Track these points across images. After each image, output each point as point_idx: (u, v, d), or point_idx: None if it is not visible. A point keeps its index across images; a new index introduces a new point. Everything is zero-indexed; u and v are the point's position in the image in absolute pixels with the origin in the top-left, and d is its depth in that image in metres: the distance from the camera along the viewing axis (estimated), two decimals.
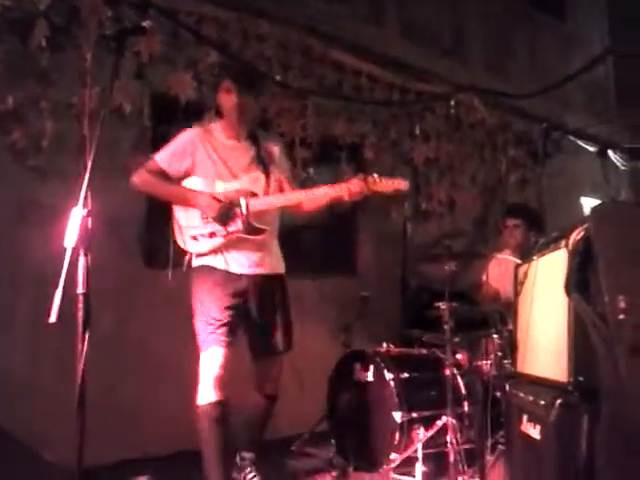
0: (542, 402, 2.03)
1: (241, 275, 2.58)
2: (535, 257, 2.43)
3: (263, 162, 2.66)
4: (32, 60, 3.38)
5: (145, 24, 1.93)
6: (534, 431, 2.05)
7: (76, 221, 1.76)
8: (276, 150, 2.77)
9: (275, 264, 2.71)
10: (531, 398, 2.17)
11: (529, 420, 2.13)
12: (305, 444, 3.59)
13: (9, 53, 3.33)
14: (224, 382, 2.46)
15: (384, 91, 5.02)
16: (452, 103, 5.37)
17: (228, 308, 2.51)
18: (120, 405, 3.33)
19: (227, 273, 2.56)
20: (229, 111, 2.63)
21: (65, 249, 1.73)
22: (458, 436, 2.83)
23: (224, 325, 2.48)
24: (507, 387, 2.66)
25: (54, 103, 3.41)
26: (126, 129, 3.65)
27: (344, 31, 4.74)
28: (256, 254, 2.61)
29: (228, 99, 2.61)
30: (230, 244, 2.58)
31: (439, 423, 2.90)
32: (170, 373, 3.35)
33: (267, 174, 2.63)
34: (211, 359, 2.45)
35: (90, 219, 1.79)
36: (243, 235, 2.55)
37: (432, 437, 2.91)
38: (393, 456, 2.95)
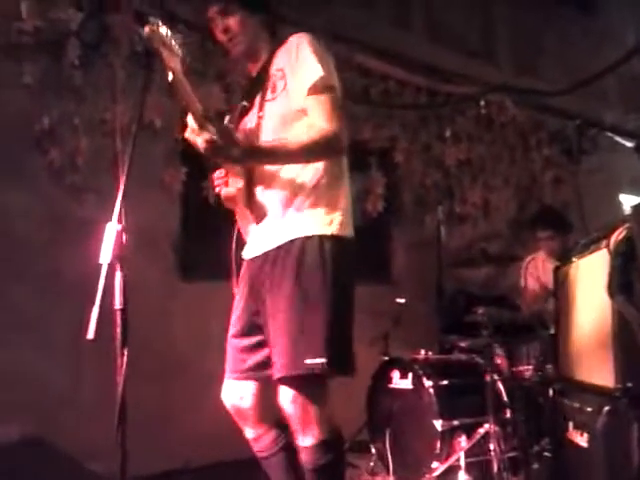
0: (589, 409, 1.98)
1: None
2: (575, 258, 2.37)
3: None
4: (65, 79, 3.46)
5: (174, 40, 1.93)
6: (581, 439, 1.99)
7: (111, 237, 1.78)
8: None
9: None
10: (577, 405, 2.11)
11: (575, 427, 2.08)
12: (345, 453, 3.56)
13: (43, 73, 3.41)
14: None
15: (412, 94, 4.99)
16: (482, 103, 5.30)
17: None
18: (161, 417, 3.36)
19: None
20: None
21: (101, 265, 1.74)
22: (501, 444, 2.76)
23: None
24: (551, 393, 2.59)
25: (88, 120, 3.48)
26: (158, 143, 3.69)
27: (370, 36, 4.72)
28: None
29: None
30: None
31: (481, 431, 2.84)
32: (210, 385, 3.35)
33: None
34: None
35: (125, 234, 1.80)
36: None
37: (474, 445, 2.85)
38: (435, 465, 2.90)
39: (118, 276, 1.78)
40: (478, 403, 2.95)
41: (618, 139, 5.88)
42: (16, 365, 3.06)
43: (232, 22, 1.93)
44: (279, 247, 1.84)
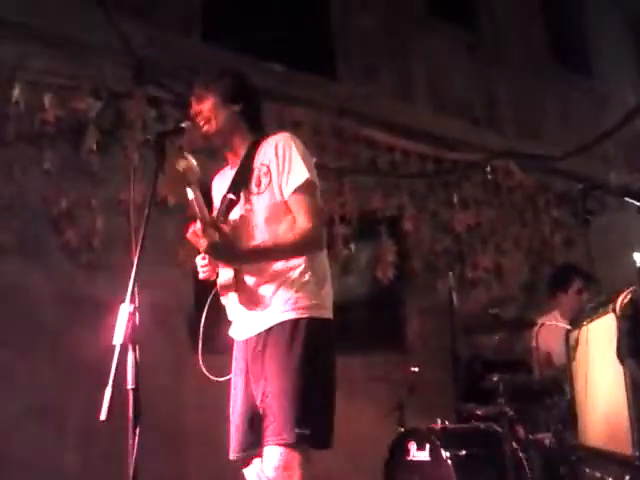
0: (610, 479, 1.94)
1: None
2: (585, 322, 2.37)
3: None
4: (83, 163, 3.62)
5: (184, 125, 2.05)
6: None
7: (124, 317, 1.81)
8: None
9: None
10: (598, 474, 2.07)
11: None
12: None
13: (62, 158, 3.57)
14: None
15: (418, 163, 5.12)
16: (488, 169, 5.40)
17: None
18: None
19: None
20: None
21: (114, 345, 1.77)
22: None
23: None
24: (571, 461, 2.53)
25: (104, 201, 3.61)
26: (171, 220, 3.79)
27: (375, 109, 4.90)
28: None
29: None
30: None
31: None
32: (223, 458, 3.31)
33: None
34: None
35: (137, 314, 1.84)
36: None
37: None
38: None
39: (130, 356, 1.81)
40: (498, 473, 2.87)
41: (624, 199, 5.93)
42: (26, 449, 3.05)
43: (204, 107, 2.06)
44: (270, 329, 1.98)
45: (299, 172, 1.97)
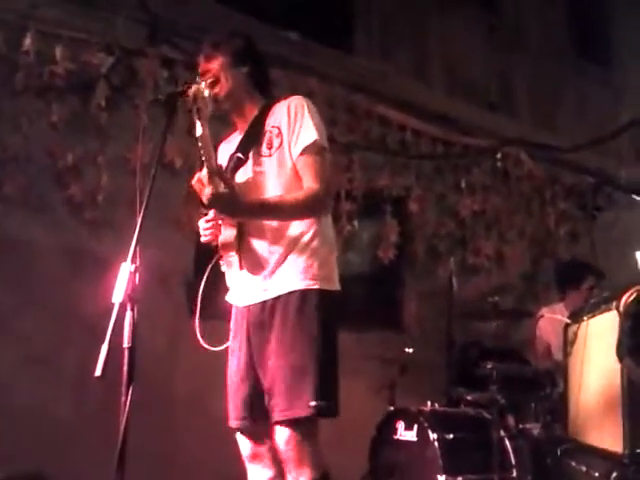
0: (596, 474, 1.95)
1: None
2: (585, 317, 2.36)
3: None
4: (92, 119, 3.57)
5: (197, 85, 2.01)
6: None
7: (124, 276, 1.80)
8: None
9: None
10: (584, 468, 2.08)
11: None
12: None
13: (70, 113, 3.53)
14: None
15: (429, 145, 5.06)
16: (498, 156, 5.35)
17: None
18: (167, 458, 3.33)
19: None
20: None
21: (113, 303, 1.77)
22: None
23: None
24: (558, 454, 2.54)
25: (111, 158, 3.58)
26: (177, 183, 3.76)
27: (389, 87, 4.83)
28: None
29: None
30: None
31: None
32: (215, 426, 3.34)
33: None
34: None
35: (138, 274, 1.83)
36: None
37: None
38: None
39: (128, 315, 1.80)
40: (484, 460, 2.89)
41: (633, 197, 5.90)
42: (23, 398, 3.07)
43: (213, 66, 2.02)
44: (277, 298, 1.93)
45: (309, 133, 1.92)
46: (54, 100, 3.50)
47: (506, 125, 5.59)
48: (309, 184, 1.91)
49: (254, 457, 1.99)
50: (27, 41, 3.41)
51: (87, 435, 3.17)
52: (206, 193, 1.83)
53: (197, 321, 2.06)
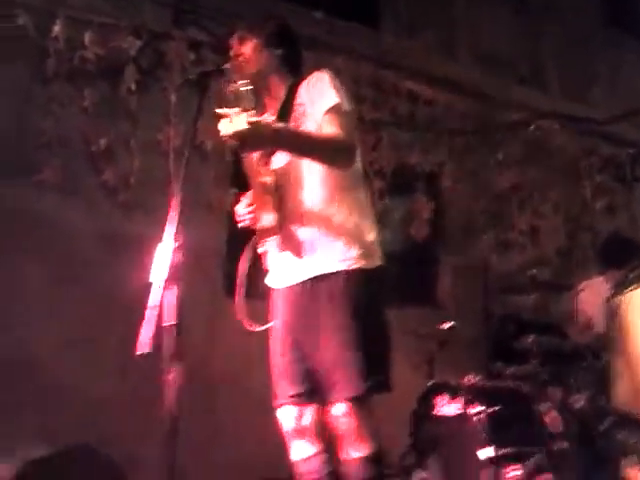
0: None
1: None
2: (627, 290, 2.31)
3: None
4: (122, 102, 3.59)
5: (225, 67, 2.00)
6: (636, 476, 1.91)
7: (163, 255, 1.81)
8: None
9: None
10: (633, 441, 2.03)
11: (632, 463, 1.99)
12: (390, 479, 3.49)
13: (101, 97, 3.55)
14: None
15: (459, 120, 4.97)
16: (532, 129, 5.23)
17: None
18: (208, 438, 3.36)
19: None
20: None
21: (151, 283, 1.77)
22: (551, 477, 2.65)
23: None
24: (605, 426, 2.50)
25: (142, 142, 3.60)
26: (208, 165, 3.78)
27: (417, 62, 4.75)
28: None
29: None
30: None
31: (532, 461, 2.74)
32: (255, 405, 3.36)
33: None
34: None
35: (178, 253, 1.83)
36: None
37: (525, 476, 2.74)
38: None
39: (169, 293, 1.80)
40: (528, 433, 2.85)
41: None
42: (68, 378, 3.14)
43: (246, 48, 2.02)
44: (319, 278, 1.92)
45: (329, 98, 1.89)
46: (85, 85, 3.53)
47: (538, 98, 5.46)
48: (335, 132, 1.87)
49: (299, 433, 2.00)
50: (57, 27, 3.44)
51: (131, 412, 3.22)
52: (232, 128, 1.72)
53: (239, 302, 2.06)
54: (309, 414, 1.99)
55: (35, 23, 3.36)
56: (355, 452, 1.87)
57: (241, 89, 1.71)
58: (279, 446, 2.13)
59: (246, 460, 3.39)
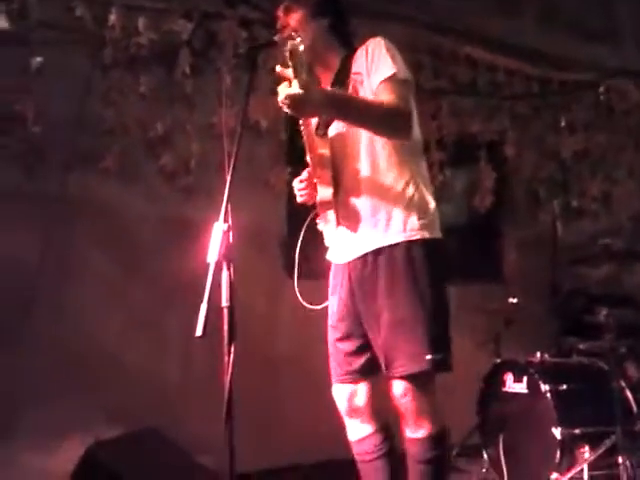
0: None
1: None
2: None
3: None
4: (178, 87, 3.61)
5: (276, 38, 1.95)
6: None
7: (218, 236, 1.81)
8: None
9: None
10: None
11: None
12: (456, 458, 3.44)
13: (157, 83, 3.58)
14: None
15: (523, 84, 4.74)
16: (601, 90, 4.93)
17: None
18: (268, 412, 3.41)
19: None
20: None
21: (208, 264, 1.77)
22: (632, 458, 2.53)
23: None
24: None
25: (198, 125, 3.61)
26: (263, 144, 3.76)
27: (475, 26, 4.54)
28: None
29: None
30: None
31: (607, 442, 2.62)
32: (316, 384, 3.37)
33: None
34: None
35: (231, 233, 1.83)
36: None
37: (599, 458, 2.64)
38: (554, 476, 2.72)
39: (225, 274, 1.81)
40: (603, 412, 2.74)
41: None
42: (133, 361, 3.24)
43: (292, 20, 1.97)
44: (379, 251, 1.89)
45: (386, 67, 1.85)
46: (141, 71, 3.57)
47: (608, 56, 5.13)
48: (392, 100, 1.82)
49: (354, 412, 2.00)
50: (112, 16, 3.47)
51: (194, 393, 3.30)
52: (282, 95, 1.69)
53: (296, 281, 2.06)
54: (363, 393, 1.98)
55: (92, 13, 3.41)
56: (417, 431, 1.85)
57: (296, 48, 1.66)
58: (339, 426, 2.13)
59: (306, 440, 3.42)
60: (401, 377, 1.84)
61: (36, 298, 3.05)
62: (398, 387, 1.85)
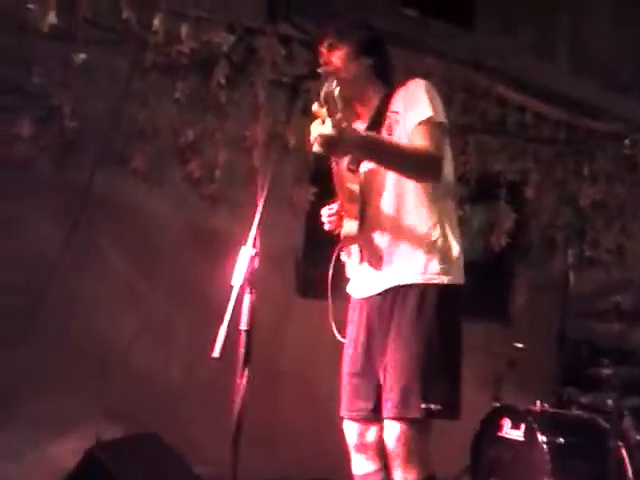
0: None
1: None
2: None
3: None
4: (212, 96, 3.66)
5: (320, 70, 1.99)
6: None
7: (244, 260, 1.84)
8: None
9: None
10: None
11: None
12: None
13: (192, 90, 3.64)
14: None
15: (550, 128, 4.77)
16: (626, 142, 4.96)
17: None
18: (272, 435, 3.43)
19: None
20: None
21: (232, 285, 1.81)
22: None
23: None
24: None
25: (228, 136, 3.66)
26: (289, 162, 3.80)
27: (510, 65, 4.59)
28: None
29: None
30: None
31: None
32: (320, 406, 3.39)
33: None
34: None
35: (257, 259, 1.86)
36: None
37: None
38: None
39: (247, 299, 1.85)
40: (596, 469, 2.75)
41: None
42: (139, 364, 3.27)
43: (335, 57, 2.00)
44: (396, 290, 1.89)
45: (424, 109, 1.87)
46: (178, 78, 3.62)
47: (637, 109, 5.16)
48: (425, 145, 1.84)
49: (360, 448, 2.00)
50: (157, 21, 3.54)
51: (197, 403, 3.32)
52: (315, 135, 1.72)
53: (331, 314, 2.02)
54: (373, 431, 1.97)
55: (137, 17, 3.48)
56: (403, 477, 1.83)
57: (331, 92, 1.69)
58: (338, 452, 2.15)
59: (305, 461, 3.44)
60: (394, 419, 1.81)
61: (50, 291, 3.08)
62: (390, 430, 1.83)
